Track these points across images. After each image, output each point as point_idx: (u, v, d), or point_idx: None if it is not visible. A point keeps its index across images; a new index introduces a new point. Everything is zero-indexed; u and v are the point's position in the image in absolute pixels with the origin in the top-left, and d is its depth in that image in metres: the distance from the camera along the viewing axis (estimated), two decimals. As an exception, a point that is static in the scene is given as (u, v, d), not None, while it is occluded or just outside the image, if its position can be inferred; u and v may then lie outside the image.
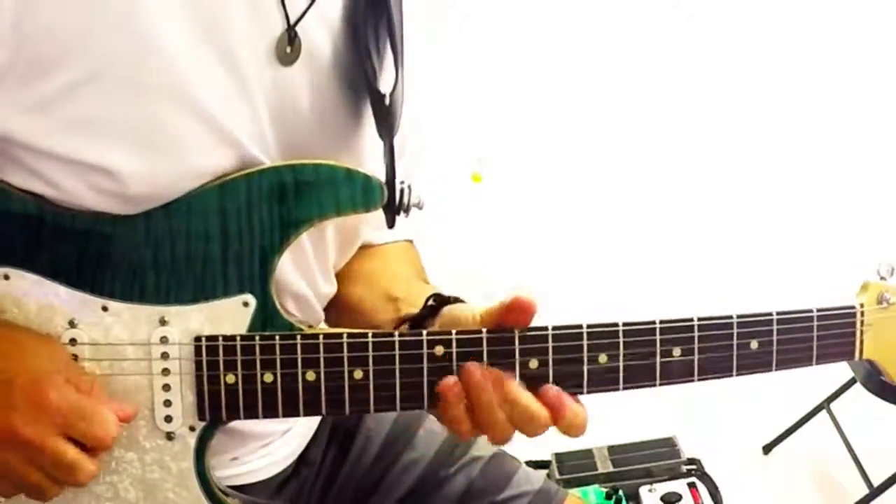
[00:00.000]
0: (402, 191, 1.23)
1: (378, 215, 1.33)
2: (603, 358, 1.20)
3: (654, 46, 5.13)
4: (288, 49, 1.19)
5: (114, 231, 1.15)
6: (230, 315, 1.18)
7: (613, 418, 3.47)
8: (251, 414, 1.19)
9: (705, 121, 5.04)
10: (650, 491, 2.95)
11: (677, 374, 1.21)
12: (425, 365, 1.17)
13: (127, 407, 1.17)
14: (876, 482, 3.05)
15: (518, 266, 4.23)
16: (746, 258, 4.32)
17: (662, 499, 2.92)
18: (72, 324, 1.16)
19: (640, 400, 3.53)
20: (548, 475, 3.03)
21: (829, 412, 3.37)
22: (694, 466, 3.04)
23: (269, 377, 1.17)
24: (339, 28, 1.25)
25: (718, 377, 1.23)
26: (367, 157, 1.30)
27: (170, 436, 1.20)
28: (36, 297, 1.15)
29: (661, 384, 1.21)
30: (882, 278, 1.31)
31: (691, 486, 2.96)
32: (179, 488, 1.21)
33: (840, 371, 3.21)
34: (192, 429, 1.20)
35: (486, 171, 4.83)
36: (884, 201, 4.54)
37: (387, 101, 1.25)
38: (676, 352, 1.20)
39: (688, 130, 5.02)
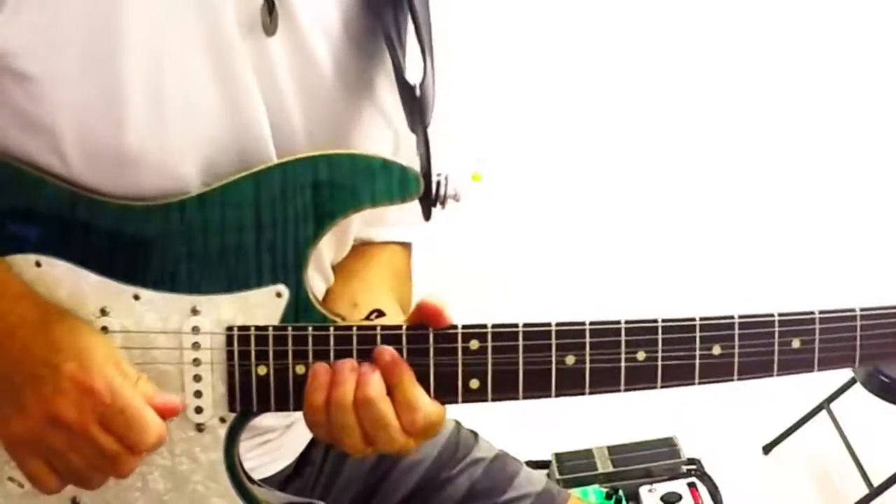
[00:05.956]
0: (438, 182, 1.22)
1: (374, 212, 1.35)
2: (641, 355, 1.17)
3: (655, 46, 5.12)
4: (268, 19, 1.16)
5: (147, 220, 1.13)
6: (263, 305, 1.15)
7: (613, 418, 3.49)
8: (282, 406, 1.16)
9: (705, 118, 5.02)
10: (650, 491, 2.94)
11: (716, 372, 1.19)
12: (460, 357, 1.16)
13: (174, 400, 1.14)
14: (876, 482, 3.05)
15: (518, 266, 4.21)
16: (745, 253, 4.36)
17: (662, 499, 2.91)
18: (103, 312, 1.13)
19: (640, 400, 3.57)
20: (548, 475, 3.02)
21: (829, 412, 3.35)
22: (694, 466, 3.03)
23: (301, 369, 1.14)
24: (331, 4, 1.23)
25: (759, 377, 1.21)
26: (362, 138, 1.27)
27: (200, 427, 1.17)
28: (67, 284, 1.13)
29: (700, 383, 1.19)
30: None
31: (691, 486, 2.95)
32: (208, 480, 1.18)
33: (840, 371, 3.23)
34: (222, 420, 1.17)
35: (486, 171, 4.84)
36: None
37: (417, 93, 1.22)
38: (717, 350, 1.18)
39: (688, 129, 4.99)
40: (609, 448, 3.09)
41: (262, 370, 1.16)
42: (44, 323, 1.11)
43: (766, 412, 3.55)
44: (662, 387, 1.19)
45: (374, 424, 1.14)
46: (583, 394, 1.19)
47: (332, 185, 1.15)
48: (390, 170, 1.16)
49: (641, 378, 1.18)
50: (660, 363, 1.18)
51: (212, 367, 1.16)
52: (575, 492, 2.73)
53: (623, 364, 1.18)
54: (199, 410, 1.17)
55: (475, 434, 1.61)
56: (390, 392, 1.14)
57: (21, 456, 1.12)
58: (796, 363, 1.20)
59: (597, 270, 4.20)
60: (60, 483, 1.13)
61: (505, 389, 1.17)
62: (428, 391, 1.16)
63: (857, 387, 3.07)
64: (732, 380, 1.20)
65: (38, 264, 1.14)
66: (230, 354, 1.16)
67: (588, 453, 3.08)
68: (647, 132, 4.99)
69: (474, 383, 1.17)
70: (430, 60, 1.25)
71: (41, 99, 1.10)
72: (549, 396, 1.19)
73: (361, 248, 1.46)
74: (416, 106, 1.23)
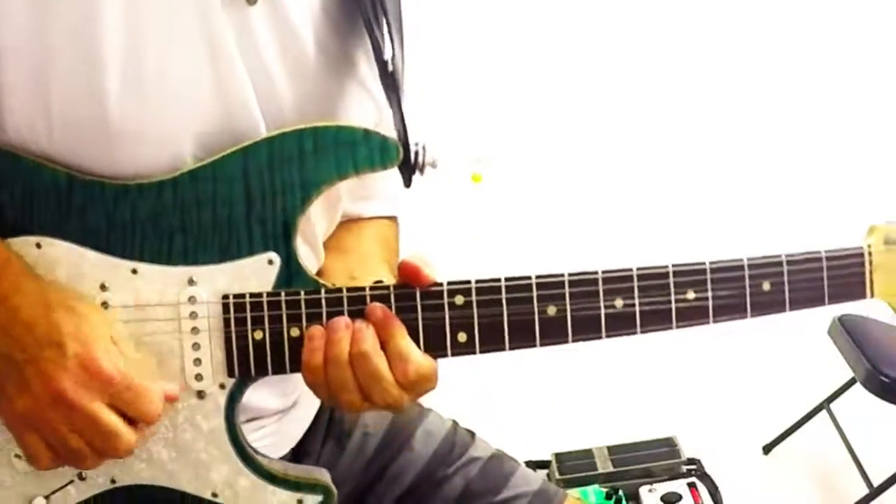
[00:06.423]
0: (416, 151, 1.28)
1: (360, 186, 1.41)
2: (619, 302, 1.22)
3: (652, 45, 5.12)
4: None
5: (141, 197, 1.17)
6: (256, 273, 1.20)
7: (613, 418, 3.53)
8: (279, 369, 1.20)
9: (704, 119, 5.02)
10: (650, 491, 2.98)
11: (693, 316, 1.24)
12: (446, 312, 1.21)
13: (173, 387, 1.20)
14: (876, 482, 3.09)
15: (518, 266, 4.26)
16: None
17: (662, 499, 2.95)
18: (103, 287, 1.18)
19: (640, 400, 3.59)
20: (548, 475, 3.03)
21: (829, 412, 3.40)
22: (694, 466, 3.08)
23: (295, 332, 1.19)
24: None
25: (733, 318, 1.26)
26: (348, 111, 1.31)
27: (201, 394, 1.21)
28: (67, 263, 1.17)
29: (678, 327, 1.24)
30: (888, 222, 1.32)
31: (691, 486, 2.99)
32: (211, 447, 1.22)
33: (840, 371, 3.24)
34: (222, 386, 1.21)
35: (486, 171, 4.87)
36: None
37: (390, 68, 1.28)
38: (690, 294, 1.24)
39: (690, 129, 4.98)
40: (609, 448, 3.12)
41: (258, 335, 1.20)
42: (45, 304, 1.14)
43: (766, 412, 3.59)
44: (642, 332, 1.24)
45: (368, 377, 1.18)
46: (566, 342, 1.23)
47: (318, 156, 1.20)
48: (371, 139, 1.21)
49: (621, 325, 1.23)
50: (637, 309, 1.23)
51: (209, 335, 1.20)
52: (574, 492, 2.75)
53: (602, 312, 1.22)
54: (199, 378, 1.21)
55: (472, 433, 1.63)
56: (383, 346, 1.19)
57: (20, 431, 1.16)
58: (768, 304, 1.26)
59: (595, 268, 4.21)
60: (56, 461, 1.17)
61: (492, 341, 1.22)
62: (418, 346, 1.21)
63: (857, 387, 3.09)
64: (708, 322, 1.25)
65: (38, 245, 1.18)
66: (227, 321, 1.20)
67: (588, 453, 3.11)
68: (646, 131, 4.98)
69: (462, 337, 1.22)
70: (398, 39, 1.31)
71: (29, 74, 1.14)
72: (534, 346, 1.23)
73: (350, 223, 1.50)
74: (390, 80, 1.29)
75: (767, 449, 3.58)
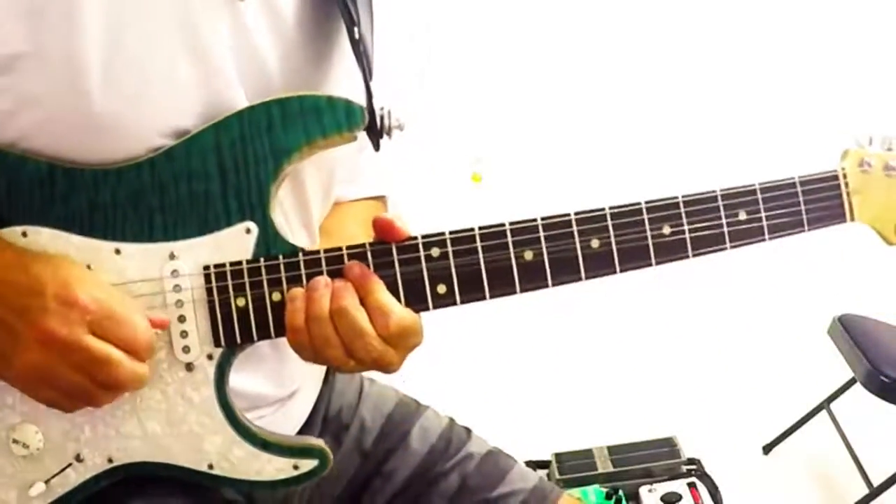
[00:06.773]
0: (381, 116, 1.29)
1: (350, 166, 1.42)
2: (595, 243, 1.24)
3: (652, 44, 5.12)
4: None
5: (120, 180, 1.20)
6: (234, 243, 1.22)
7: (613, 418, 3.53)
8: (264, 334, 1.22)
9: (705, 121, 5.06)
10: (650, 491, 2.97)
11: (671, 251, 1.26)
12: (423, 265, 1.23)
13: (161, 315, 1.22)
14: (876, 482, 3.09)
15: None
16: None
17: (662, 499, 2.94)
18: (88, 269, 1.20)
19: (640, 400, 3.59)
20: (548, 475, 3.03)
21: (829, 412, 3.40)
22: (694, 466, 3.06)
23: (276, 296, 1.22)
24: None
25: (713, 251, 1.27)
26: (340, 90, 1.31)
27: (189, 366, 1.23)
28: (53, 248, 1.20)
29: (657, 263, 1.25)
30: (861, 147, 1.34)
31: (691, 486, 2.98)
32: (203, 417, 1.24)
33: (840, 371, 3.25)
34: (209, 357, 1.23)
35: (486, 171, 4.89)
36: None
37: (356, 35, 1.31)
38: (667, 229, 1.26)
39: (689, 129, 4.98)
40: (609, 448, 3.12)
41: (240, 302, 1.23)
42: (23, 263, 1.17)
43: (766, 412, 3.58)
44: (622, 270, 1.25)
45: (350, 332, 1.20)
46: (546, 286, 1.25)
47: (285, 125, 1.23)
48: (336, 105, 1.24)
49: (600, 265, 1.25)
50: (614, 247, 1.25)
51: (194, 306, 1.23)
52: (575, 492, 2.77)
53: (580, 253, 1.24)
54: (186, 350, 1.24)
55: (468, 430, 1.64)
56: (363, 302, 1.21)
57: (34, 390, 1.18)
58: (747, 233, 1.28)
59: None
60: (70, 403, 1.19)
61: (472, 290, 1.24)
62: (399, 301, 1.23)
63: (857, 387, 3.09)
64: (688, 256, 1.27)
65: (24, 234, 1.21)
66: (209, 291, 1.23)
67: (588, 453, 3.11)
68: (645, 131, 4.98)
69: (441, 288, 1.24)
70: (365, 13, 1.35)
71: (16, 74, 1.17)
72: (515, 292, 1.25)
73: (338, 206, 1.52)
74: (356, 49, 1.33)
75: (767, 449, 3.58)
